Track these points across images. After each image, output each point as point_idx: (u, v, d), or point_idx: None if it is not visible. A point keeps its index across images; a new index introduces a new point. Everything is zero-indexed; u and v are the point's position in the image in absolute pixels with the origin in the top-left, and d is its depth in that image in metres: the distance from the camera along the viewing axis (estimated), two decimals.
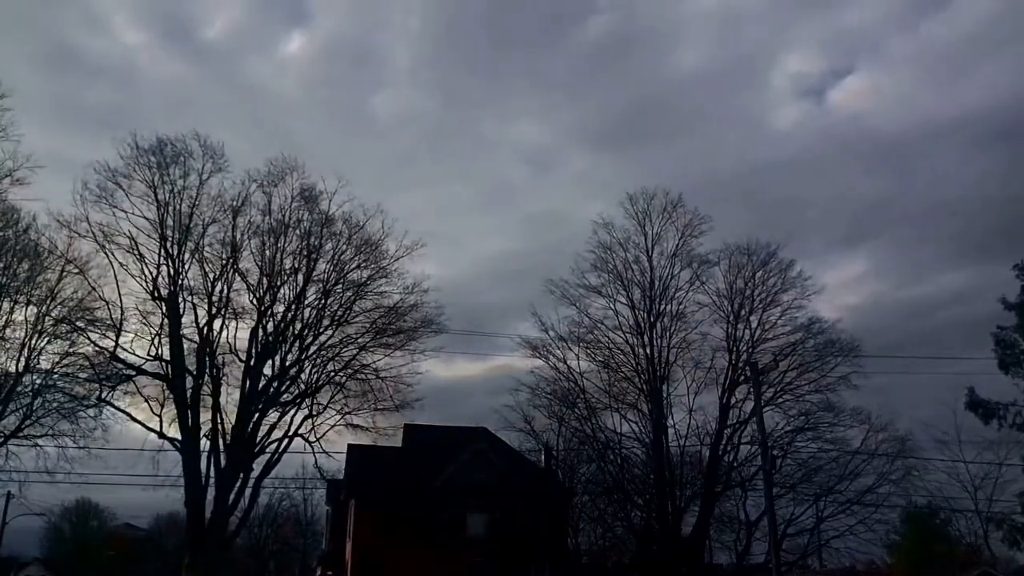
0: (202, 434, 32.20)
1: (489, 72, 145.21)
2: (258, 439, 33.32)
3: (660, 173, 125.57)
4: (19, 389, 32.51)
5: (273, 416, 34.07)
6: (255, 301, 34.50)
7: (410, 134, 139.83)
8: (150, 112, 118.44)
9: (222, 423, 32.76)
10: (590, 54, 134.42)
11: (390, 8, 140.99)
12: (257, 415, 33.34)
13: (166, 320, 32.79)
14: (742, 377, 36.03)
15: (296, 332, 34.80)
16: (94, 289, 32.74)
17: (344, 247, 35.57)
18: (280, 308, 34.87)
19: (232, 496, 32.44)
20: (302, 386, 34.88)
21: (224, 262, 34.04)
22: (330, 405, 34.86)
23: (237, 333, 34.18)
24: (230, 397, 33.26)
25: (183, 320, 33.06)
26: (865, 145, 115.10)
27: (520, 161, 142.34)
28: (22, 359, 32.24)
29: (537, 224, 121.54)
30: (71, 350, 33.04)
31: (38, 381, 32.95)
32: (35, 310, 32.75)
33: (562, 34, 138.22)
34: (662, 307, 38.01)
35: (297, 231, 35.17)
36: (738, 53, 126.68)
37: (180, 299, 33.15)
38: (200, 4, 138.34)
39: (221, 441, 32.51)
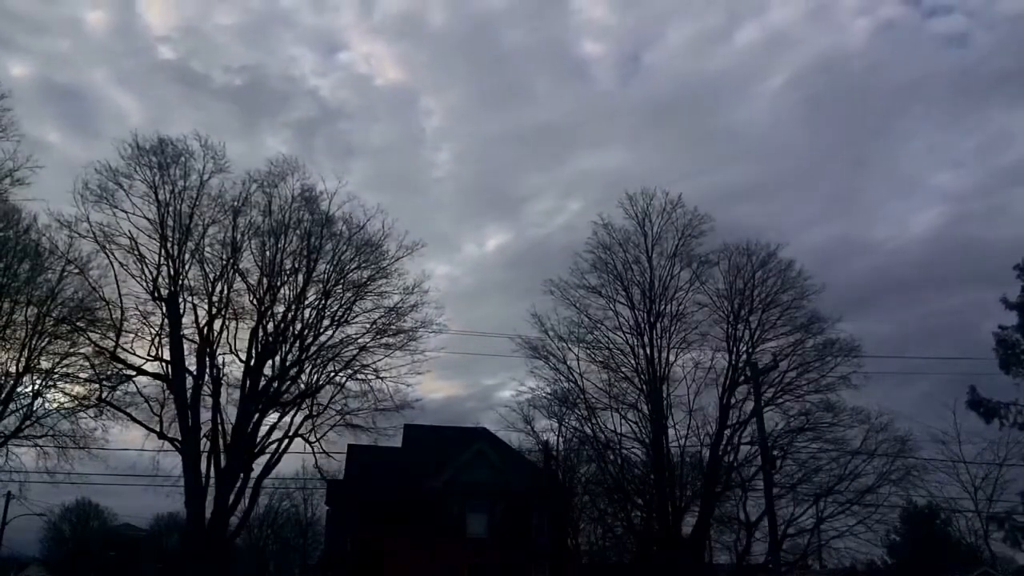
0: (202, 434, 32.20)
1: None
2: (258, 439, 33.32)
3: None
4: (19, 389, 32.51)
5: (273, 416, 34.16)
6: (255, 301, 34.53)
7: None
8: None
9: (222, 423, 32.79)
10: None
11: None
12: (257, 415, 33.33)
13: (166, 320, 32.82)
14: (742, 377, 35.95)
15: (296, 332, 34.79)
16: (94, 289, 32.80)
17: (344, 247, 35.62)
18: (280, 308, 34.91)
19: (232, 496, 32.38)
20: (302, 386, 34.88)
21: (224, 262, 34.09)
22: (330, 405, 34.88)
23: (237, 333, 34.24)
24: (230, 397, 33.31)
25: (183, 320, 33.10)
26: None
27: None
28: (22, 359, 32.20)
29: None
30: (71, 350, 33.01)
31: (38, 381, 32.95)
32: (35, 310, 32.64)
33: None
34: (662, 307, 37.87)
35: (297, 231, 35.22)
36: None
37: (180, 299, 33.17)
38: None
39: (221, 441, 32.50)
